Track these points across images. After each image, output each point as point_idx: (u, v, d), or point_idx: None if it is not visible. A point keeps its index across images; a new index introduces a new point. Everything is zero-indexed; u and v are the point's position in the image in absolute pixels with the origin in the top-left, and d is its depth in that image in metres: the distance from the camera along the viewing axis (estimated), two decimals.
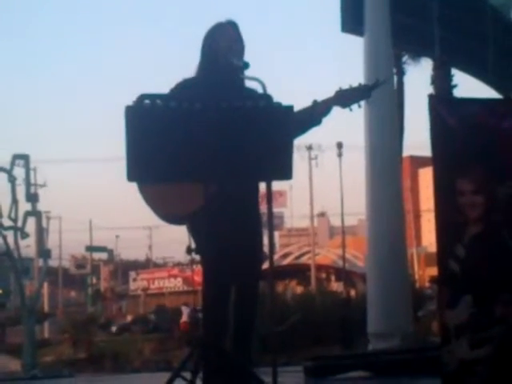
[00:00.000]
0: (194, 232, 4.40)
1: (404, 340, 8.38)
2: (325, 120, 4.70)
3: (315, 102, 4.61)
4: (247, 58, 4.70)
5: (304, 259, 51.40)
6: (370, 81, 4.86)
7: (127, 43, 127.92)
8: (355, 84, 4.67)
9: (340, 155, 42.66)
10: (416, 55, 26.46)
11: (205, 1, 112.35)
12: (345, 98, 4.62)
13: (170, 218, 4.54)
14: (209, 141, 3.87)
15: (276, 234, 57.50)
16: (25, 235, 18.97)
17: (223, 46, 4.68)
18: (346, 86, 4.63)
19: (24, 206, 18.27)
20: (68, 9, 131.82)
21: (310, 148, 47.36)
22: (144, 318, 45.52)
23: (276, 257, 42.17)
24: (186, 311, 32.02)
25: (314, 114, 4.61)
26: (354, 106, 4.67)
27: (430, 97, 6.04)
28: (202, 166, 3.89)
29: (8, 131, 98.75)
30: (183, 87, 4.60)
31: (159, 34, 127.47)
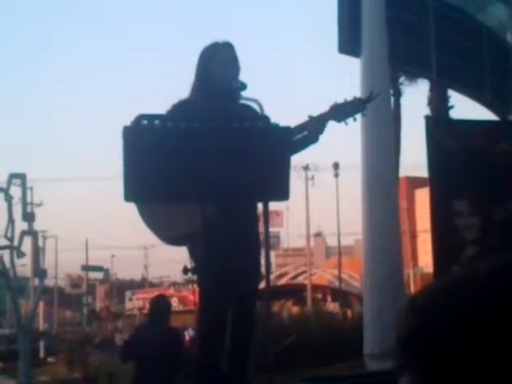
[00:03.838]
0: (192, 252, 4.39)
1: None
2: (321, 138, 4.71)
3: (311, 117, 4.61)
4: (244, 78, 4.72)
5: (300, 279, 51.26)
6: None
7: (126, 62, 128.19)
8: (350, 98, 4.68)
9: (336, 175, 42.74)
10: (413, 76, 26.51)
11: (202, 21, 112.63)
12: (340, 112, 4.62)
13: (169, 238, 4.53)
14: (206, 162, 3.88)
15: (272, 253, 57.41)
16: (21, 254, 18.86)
17: (219, 67, 4.69)
18: (340, 101, 4.64)
19: (20, 226, 18.22)
20: (65, 28, 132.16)
21: (306, 168, 47.40)
22: None
23: (272, 277, 42.08)
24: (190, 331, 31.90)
25: (310, 130, 4.61)
26: (350, 120, 4.67)
27: (427, 118, 6.08)
28: (199, 187, 3.89)
29: (4, 150, 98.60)
30: (179, 108, 4.61)
31: (159, 54, 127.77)
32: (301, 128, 4.56)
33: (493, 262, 1.00)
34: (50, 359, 36.25)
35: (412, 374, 0.98)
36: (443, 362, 0.95)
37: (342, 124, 4.65)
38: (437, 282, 1.08)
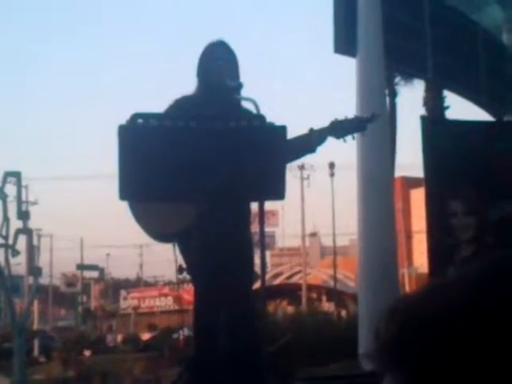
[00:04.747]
0: (184, 251, 4.39)
1: None
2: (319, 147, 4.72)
3: (311, 131, 4.62)
4: (240, 77, 4.72)
5: (295, 279, 51.28)
6: (362, 102, 4.88)
7: (123, 61, 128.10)
8: (351, 116, 4.70)
9: (332, 175, 42.75)
10: (408, 77, 26.50)
11: (200, 22, 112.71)
12: (339, 128, 4.63)
13: (159, 236, 4.54)
14: (201, 161, 3.87)
15: (267, 253, 57.31)
16: (15, 253, 18.82)
17: (216, 67, 4.69)
18: (341, 117, 4.66)
19: (15, 224, 18.19)
20: (63, 27, 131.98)
21: (302, 167, 47.39)
22: (134, 336, 45.31)
23: (267, 276, 42.05)
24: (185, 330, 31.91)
25: (309, 142, 4.62)
26: (348, 137, 4.69)
27: (423, 118, 6.07)
28: (194, 185, 3.89)
29: None
30: (180, 105, 4.60)
31: (158, 53, 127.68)
32: (300, 139, 4.57)
33: (476, 267, 1.00)
34: (41, 359, 36.23)
35: (393, 379, 0.98)
36: (425, 368, 0.95)
37: (341, 141, 4.67)
38: (419, 288, 1.08)
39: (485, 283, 0.96)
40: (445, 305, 0.96)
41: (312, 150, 4.67)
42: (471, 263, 1.01)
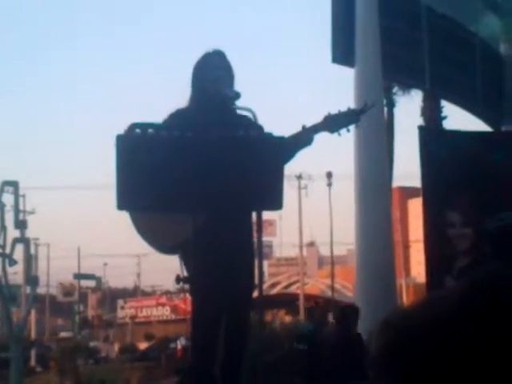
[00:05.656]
0: (186, 261, 4.38)
1: None
2: (315, 147, 4.70)
3: (304, 128, 4.61)
4: (238, 87, 4.71)
5: (293, 289, 51.25)
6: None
7: (121, 71, 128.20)
8: (343, 109, 4.67)
9: (329, 185, 42.70)
10: (406, 87, 26.53)
11: (196, 32, 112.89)
12: (333, 122, 4.61)
13: (163, 247, 4.53)
14: (199, 171, 3.87)
15: (265, 263, 57.32)
16: (13, 262, 18.80)
17: (212, 76, 4.68)
18: (334, 112, 4.63)
19: (12, 233, 18.18)
20: (59, 37, 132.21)
21: (299, 177, 47.30)
22: (131, 346, 45.24)
23: (265, 286, 42.02)
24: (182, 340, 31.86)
25: (302, 140, 4.60)
26: (343, 131, 4.66)
27: (420, 128, 6.08)
28: (192, 196, 3.89)
29: None
30: (176, 118, 4.60)
31: (154, 63, 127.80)
32: (293, 138, 4.55)
33: (466, 282, 1.01)
34: (38, 369, 36.14)
35: None
36: (417, 377, 0.96)
37: (335, 135, 4.65)
38: (412, 300, 1.10)
39: (475, 297, 0.97)
40: (436, 317, 0.97)
41: (295, 151, 4.63)
42: (466, 275, 1.02)
